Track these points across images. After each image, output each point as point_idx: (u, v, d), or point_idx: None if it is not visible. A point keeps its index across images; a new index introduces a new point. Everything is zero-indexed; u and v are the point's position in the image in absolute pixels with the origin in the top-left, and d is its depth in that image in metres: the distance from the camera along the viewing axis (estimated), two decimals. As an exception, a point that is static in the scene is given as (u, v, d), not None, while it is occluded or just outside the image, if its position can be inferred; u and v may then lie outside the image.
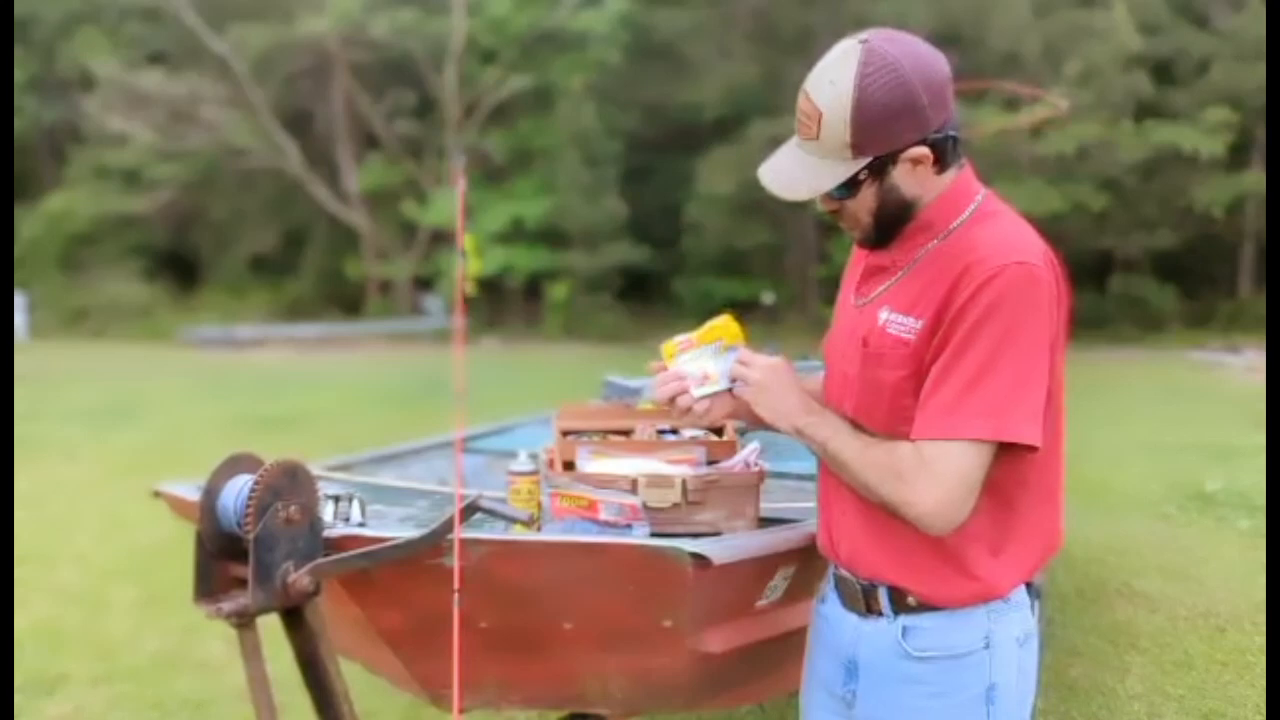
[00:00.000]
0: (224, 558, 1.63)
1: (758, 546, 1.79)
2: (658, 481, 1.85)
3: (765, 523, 1.93)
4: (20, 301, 22.63)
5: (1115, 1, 20.01)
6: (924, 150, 1.37)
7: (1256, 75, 17.91)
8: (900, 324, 1.40)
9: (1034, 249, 1.38)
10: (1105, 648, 3.85)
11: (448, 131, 25.25)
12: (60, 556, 5.28)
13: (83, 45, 24.69)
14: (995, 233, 1.40)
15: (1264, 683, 3.40)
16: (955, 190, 1.44)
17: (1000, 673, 1.47)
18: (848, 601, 1.56)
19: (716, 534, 1.84)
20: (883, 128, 1.35)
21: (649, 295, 25.11)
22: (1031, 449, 1.35)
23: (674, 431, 2.27)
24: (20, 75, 23.54)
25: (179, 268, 26.61)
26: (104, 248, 25.69)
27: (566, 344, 21.76)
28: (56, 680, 3.67)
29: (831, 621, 1.60)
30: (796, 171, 1.41)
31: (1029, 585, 1.51)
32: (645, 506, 1.79)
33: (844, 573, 1.56)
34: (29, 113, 24.87)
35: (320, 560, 1.63)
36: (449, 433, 3.21)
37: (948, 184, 1.43)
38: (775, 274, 24.88)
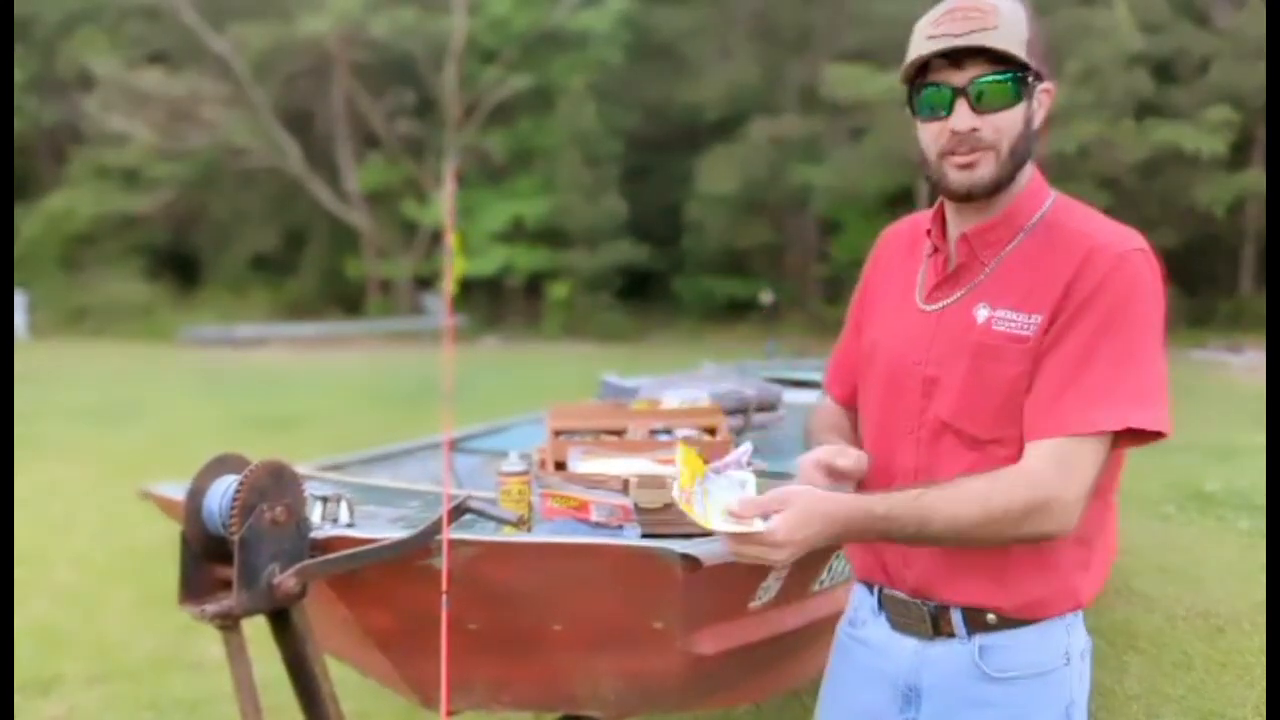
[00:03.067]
0: (210, 559, 1.62)
1: (749, 547, 1.77)
2: (649, 482, 1.83)
3: (758, 523, 1.90)
4: (20, 301, 22.60)
5: (1116, 0, 19.98)
6: (1052, 85, 1.34)
7: (1257, 74, 17.87)
8: (1012, 320, 1.31)
9: (1143, 239, 1.33)
10: (1103, 648, 3.82)
11: (448, 131, 25.24)
12: (58, 556, 5.28)
13: (83, 45, 24.67)
14: (1099, 221, 1.35)
15: (1263, 683, 3.39)
16: (1037, 181, 1.40)
17: (1078, 689, 1.42)
18: (905, 625, 1.45)
19: (709, 535, 1.82)
20: (1040, 41, 1.31)
21: (649, 295, 25.12)
22: (1157, 438, 1.29)
23: (668, 431, 2.26)
24: (20, 75, 23.48)
25: (179, 267, 26.59)
26: (104, 247, 25.67)
27: (566, 343, 21.74)
28: (52, 680, 3.67)
29: (877, 646, 1.49)
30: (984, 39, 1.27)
31: None
32: (637, 507, 1.78)
33: (900, 595, 1.45)
34: (29, 113, 24.84)
35: (306, 562, 1.62)
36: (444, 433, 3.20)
37: (1032, 172, 1.39)
38: (775, 274, 24.86)
